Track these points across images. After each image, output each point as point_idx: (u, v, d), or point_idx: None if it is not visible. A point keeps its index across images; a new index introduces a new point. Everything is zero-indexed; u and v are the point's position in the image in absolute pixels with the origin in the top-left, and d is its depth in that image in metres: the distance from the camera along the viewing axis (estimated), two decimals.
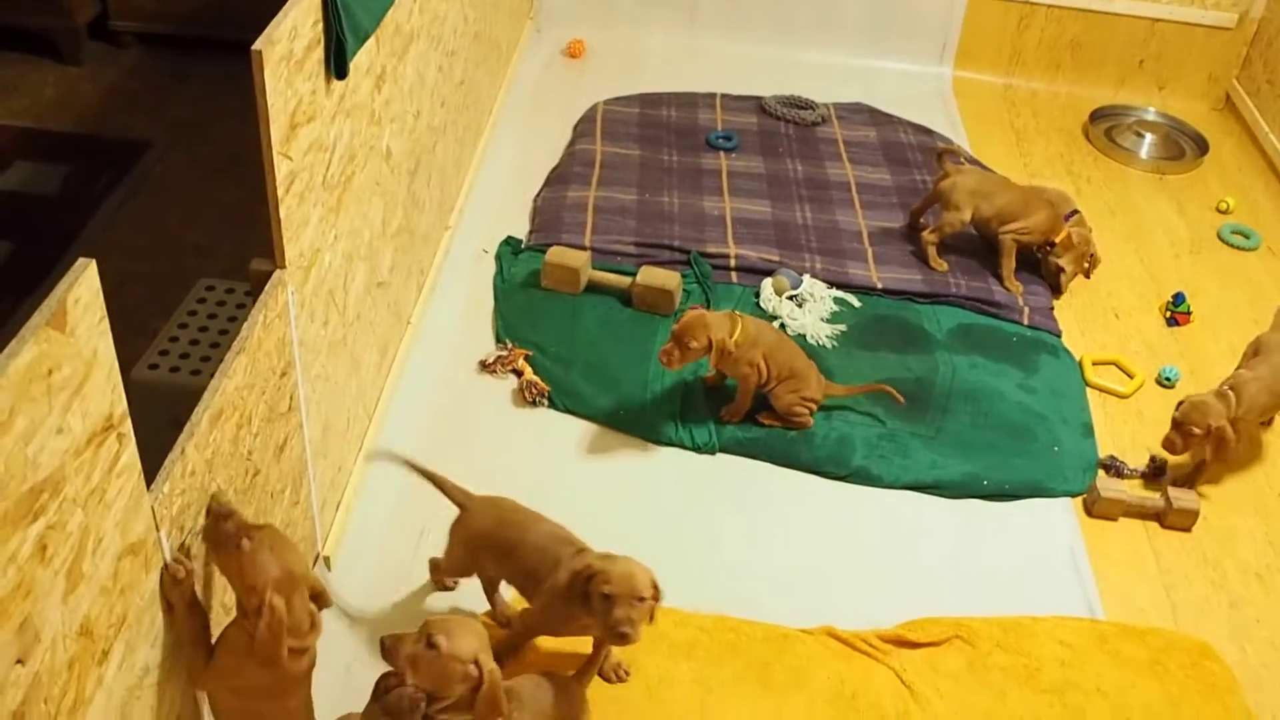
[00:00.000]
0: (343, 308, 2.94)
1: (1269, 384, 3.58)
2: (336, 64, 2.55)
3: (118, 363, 1.78)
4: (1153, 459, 3.64)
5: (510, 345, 3.83)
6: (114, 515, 1.82)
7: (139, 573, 1.94)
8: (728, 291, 4.24)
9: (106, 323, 1.70)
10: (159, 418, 2.33)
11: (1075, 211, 4.49)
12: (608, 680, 2.82)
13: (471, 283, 4.17)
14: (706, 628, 3.00)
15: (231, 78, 2.25)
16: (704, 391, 3.75)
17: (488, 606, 2.97)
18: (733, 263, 4.36)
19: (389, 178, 3.24)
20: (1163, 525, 3.47)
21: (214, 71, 5.17)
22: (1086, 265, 4.45)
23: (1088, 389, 3.97)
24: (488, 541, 2.79)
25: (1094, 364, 4.07)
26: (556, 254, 4.12)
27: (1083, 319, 4.32)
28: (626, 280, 4.11)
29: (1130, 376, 4.03)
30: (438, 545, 3.15)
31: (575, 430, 3.62)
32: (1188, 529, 3.47)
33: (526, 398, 3.67)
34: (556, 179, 4.77)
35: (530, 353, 3.81)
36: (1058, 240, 4.35)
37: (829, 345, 4.02)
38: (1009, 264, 4.36)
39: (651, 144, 5.07)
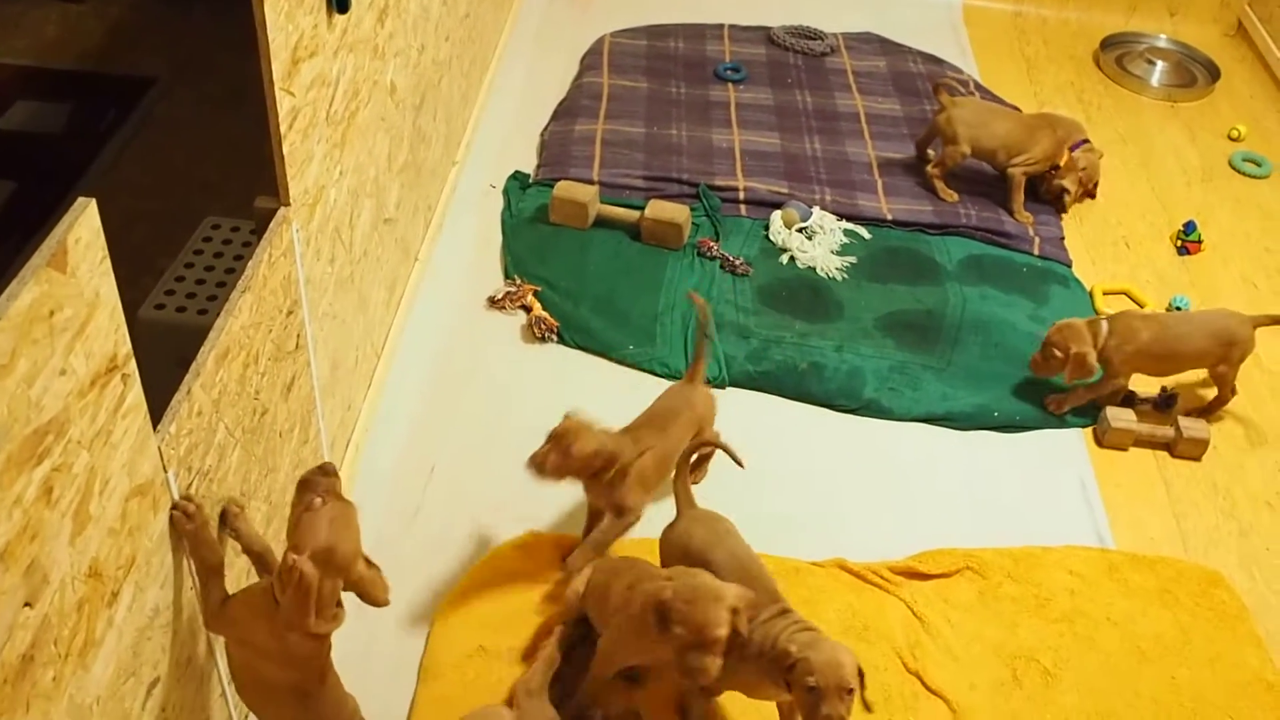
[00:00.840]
0: (349, 245, 2.92)
1: (1154, 329, 3.51)
2: None
3: (125, 302, 1.77)
4: (1163, 389, 3.62)
5: (519, 281, 3.81)
6: (120, 456, 1.82)
7: (147, 514, 1.94)
8: (737, 224, 4.21)
9: (108, 262, 1.69)
10: (166, 357, 2.32)
11: (1085, 141, 4.44)
12: None
13: (479, 218, 4.14)
14: None
15: (235, 10, 2.21)
16: (716, 325, 3.73)
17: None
18: (742, 195, 4.33)
19: (394, 113, 3.20)
20: (1173, 455, 3.47)
21: (217, 4, 5.10)
22: (1092, 187, 4.42)
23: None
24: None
25: (1105, 294, 4.04)
26: (565, 188, 4.08)
27: (1093, 249, 4.28)
28: (635, 214, 4.08)
29: (1141, 306, 4.00)
30: (448, 482, 3.16)
31: (585, 365, 3.61)
32: (1198, 458, 3.46)
33: (536, 333, 3.66)
34: (564, 113, 4.73)
35: (539, 288, 3.80)
36: (1061, 163, 4.31)
37: (839, 278, 4.00)
38: (1018, 197, 4.32)
39: (659, 76, 5.02)
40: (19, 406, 1.51)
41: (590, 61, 5.08)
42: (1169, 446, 3.47)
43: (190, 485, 2.10)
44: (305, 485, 2.12)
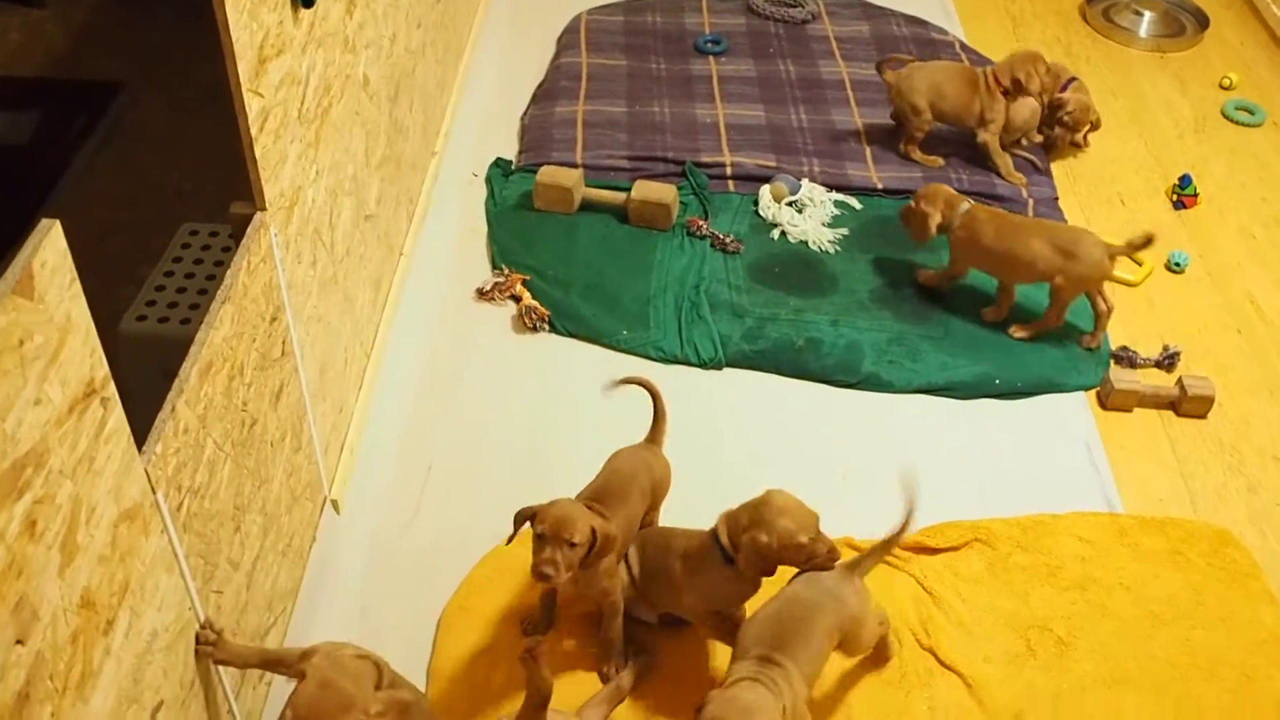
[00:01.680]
0: (331, 245, 2.87)
1: (999, 225, 3.58)
2: None
3: (105, 315, 1.72)
4: (1165, 347, 3.58)
5: (507, 271, 3.76)
6: (105, 482, 1.77)
7: (138, 538, 1.89)
8: (725, 201, 4.16)
9: (78, 285, 1.63)
10: (152, 370, 2.27)
11: (1073, 79, 4.37)
12: None
13: (463, 208, 4.08)
14: None
15: (198, 10, 2.15)
16: (709, 305, 3.68)
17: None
18: (729, 171, 4.27)
19: (368, 106, 3.14)
20: (1178, 413, 3.42)
21: (182, 4, 5.02)
22: (1087, 130, 4.36)
23: None
24: None
25: None
26: (548, 173, 4.03)
27: (1088, 207, 4.23)
28: (621, 196, 4.03)
29: (1139, 264, 3.96)
30: (445, 481, 3.12)
31: (578, 353, 3.56)
32: (1203, 416, 3.42)
33: (526, 323, 3.61)
34: (543, 95, 4.66)
35: (528, 277, 3.74)
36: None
37: (832, 250, 3.95)
38: (999, 162, 4.28)
39: (638, 53, 4.95)
40: None
41: (567, 41, 5.01)
42: (1174, 405, 3.43)
43: (181, 505, 2.05)
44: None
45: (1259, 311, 3.70)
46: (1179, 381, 3.43)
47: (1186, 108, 4.80)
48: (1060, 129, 4.35)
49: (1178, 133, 4.64)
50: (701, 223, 3.99)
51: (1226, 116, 4.73)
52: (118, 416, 1.79)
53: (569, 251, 3.88)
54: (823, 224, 4.04)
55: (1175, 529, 3.06)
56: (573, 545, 2.38)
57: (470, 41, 4.84)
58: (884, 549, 2.60)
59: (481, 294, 3.71)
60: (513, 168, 4.27)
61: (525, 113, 4.58)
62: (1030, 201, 4.18)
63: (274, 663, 2.25)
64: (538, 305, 3.62)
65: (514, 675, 2.67)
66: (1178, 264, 3.93)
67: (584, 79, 4.73)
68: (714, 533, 2.57)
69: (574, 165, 4.19)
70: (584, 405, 3.37)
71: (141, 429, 1.93)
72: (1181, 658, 2.77)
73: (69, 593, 1.68)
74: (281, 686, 2.49)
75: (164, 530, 1.99)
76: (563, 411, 3.34)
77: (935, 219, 3.60)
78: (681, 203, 4.09)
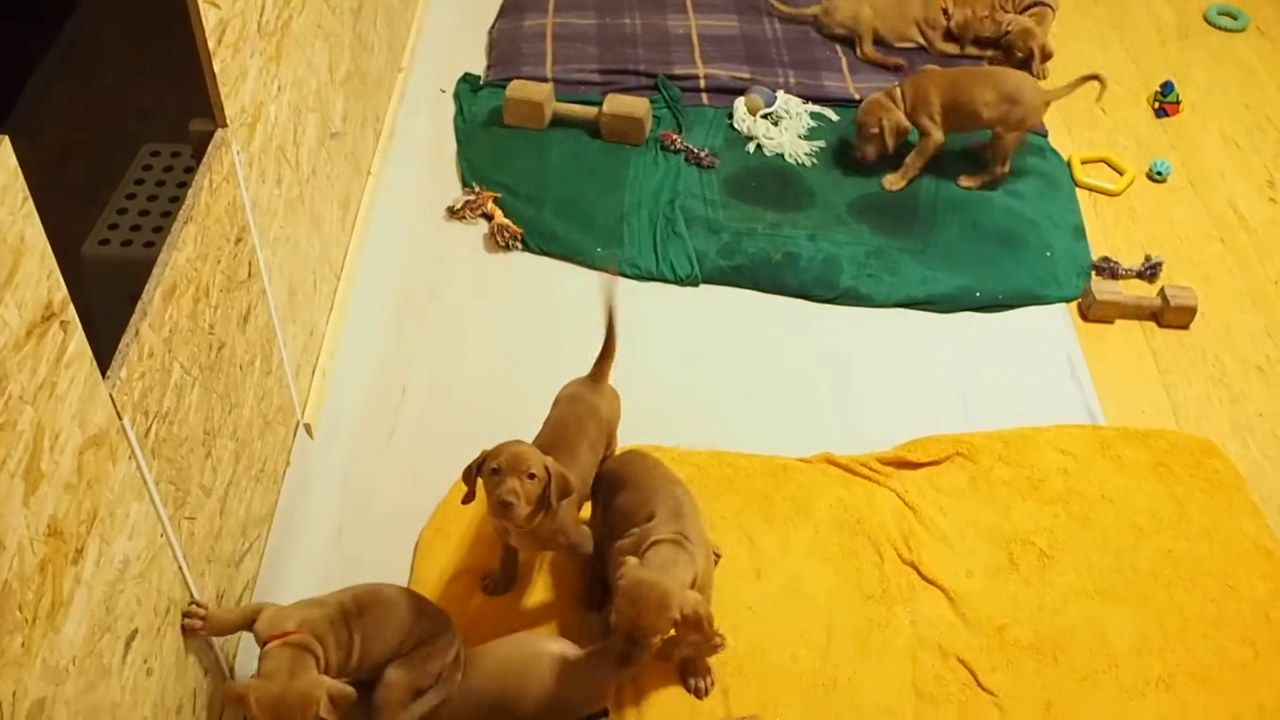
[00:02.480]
0: (295, 164, 2.78)
1: (945, 86, 3.69)
2: None
3: (67, 240, 1.65)
4: (1147, 258, 3.54)
5: (478, 188, 3.68)
6: (69, 408, 1.71)
7: (105, 465, 1.84)
8: (699, 114, 4.08)
9: (30, 204, 1.56)
10: (117, 295, 2.20)
11: (1037, 3, 4.30)
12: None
13: (431, 126, 3.99)
14: (702, 464, 2.93)
15: None
16: (685, 221, 3.62)
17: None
18: (702, 84, 4.18)
19: (330, 19, 3.04)
20: (1160, 324, 3.40)
21: None
22: (1038, 59, 4.26)
23: (1077, 189, 3.86)
24: None
25: (1083, 163, 3.95)
26: (518, 88, 3.93)
27: (1069, 116, 4.16)
28: (593, 110, 3.94)
29: (1120, 173, 3.91)
30: (419, 403, 3.07)
31: (552, 271, 3.50)
32: (1186, 326, 3.40)
33: (499, 242, 3.54)
34: (511, 8, 4.54)
35: (499, 195, 3.66)
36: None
37: (808, 164, 3.88)
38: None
39: None
40: None
41: None
42: (1156, 316, 3.40)
43: (149, 430, 2.00)
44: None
45: (1241, 220, 3.67)
46: (1161, 292, 3.40)
47: (1169, 13, 4.72)
48: (1003, 51, 4.30)
49: (1160, 39, 4.57)
50: (675, 137, 3.91)
51: (1209, 22, 4.66)
52: (79, 340, 1.73)
53: (541, 168, 3.80)
54: (799, 136, 3.97)
55: (1158, 441, 3.05)
56: (531, 477, 2.29)
57: None
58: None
59: (452, 213, 3.63)
60: (481, 83, 4.17)
61: (493, 26, 4.47)
62: None
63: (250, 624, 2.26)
64: (510, 223, 3.55)
65: (492, 598, 2.65)
66: (1160, 173, 3.89)
67: None
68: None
69: (544, 79, 4.10)
70: (559, 323, 3.32)
71: (107, 355, 1.87)
72: (1164, 569, 2.76)
73: (35, 521, 1.63)
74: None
75: (131, 456, 1.94)
76: (537, 330, 3.29)
77: (902, 117, 3.68)
78: (654, 116, 4.00)
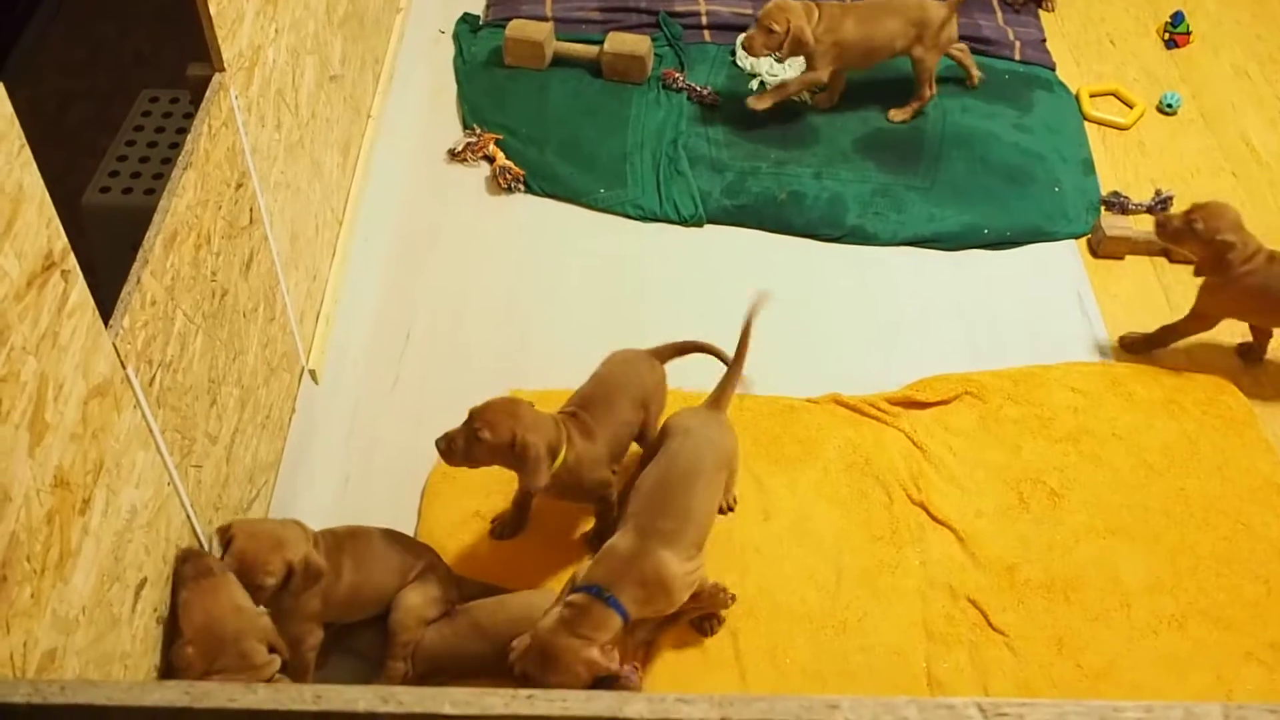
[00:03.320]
0: (295, 107, 2.74)
1: (857, 17, 3.59)
2: None
3: (67, 189, 1.63)
4: (1158, 192, 3.50)
5: (479, 130, 3.64)
6: (72, 358, 1.69)
7: (110, 414, 1.82)
8: (701, 52, 4.02)
9: (28, 152, 1.53)
10: (120, 244, 2.18)
11: None
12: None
13: (431, 67, 3.93)
14: None
15: None
16: (688, 160, 3.58)
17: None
18: (704, 20, 4.12)
19: None
20: (1170, 260, 3.36)
21: None
22: None
23: (1086, 123, 3.81)
24: None
25: (1091, 96, 3.89)
26: (517, 28, 3.87)
27: (1077, 49, 4.10)
28: (594, 49, 3.88)
29: (1130, 106, 3.86)
30: (424, 347, 3.05)
31: (556, 213, 3.47)
32: None
33: (501, 184, 3.50)
34: None
35: (500, 136, 3.62)
36: None
37: (812, 100, 3.83)
38: None
39: None
40: None
41: None
42: (1166, 251, 3.36)
43: (153, 379, 1.98)
44: (176, 577, 2.12)
45: (1253, 153, 3.62)
46: None
47: None
48: None
49: None
50: (677, 75, 3.86)
51: None
52: (80, 290, 1.71)
53: (542, 109, 3.75)
54: (803, 73, 3.91)
55: (1169, 377, 3.03)
56: (479, 438, 2.29)
57: None
58: (733, 379, 2.61)
59: (454, 155, 3.59)
60: (480, 23, 4.11)
61: None
62: (1017, 44, 4.06)
63: None
64: (512, 165, 3.51)
65: (500, 542, 2.64)
66: (1170, 105, 3.83)
67: None
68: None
69: (544, 19, 4.04)
70: (564, 265, 3.29)
71: (110, 304, 1.85)
72: (1176, 507, 2.75)
73: (41, 472, 1.62)
74: None
75: (136, 406, 1.92)
76: (541, 273, 3.26)
77: (808, 30, 3.48)
78: (656, 55, 3.95)
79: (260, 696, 1.23)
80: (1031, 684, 2.45)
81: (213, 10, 2.16)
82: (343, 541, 2.33)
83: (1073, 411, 2.94)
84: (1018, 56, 4.02)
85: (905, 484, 2.80)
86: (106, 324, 1.82)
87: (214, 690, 1.24)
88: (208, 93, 2.22)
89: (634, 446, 2.66)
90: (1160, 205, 3.46)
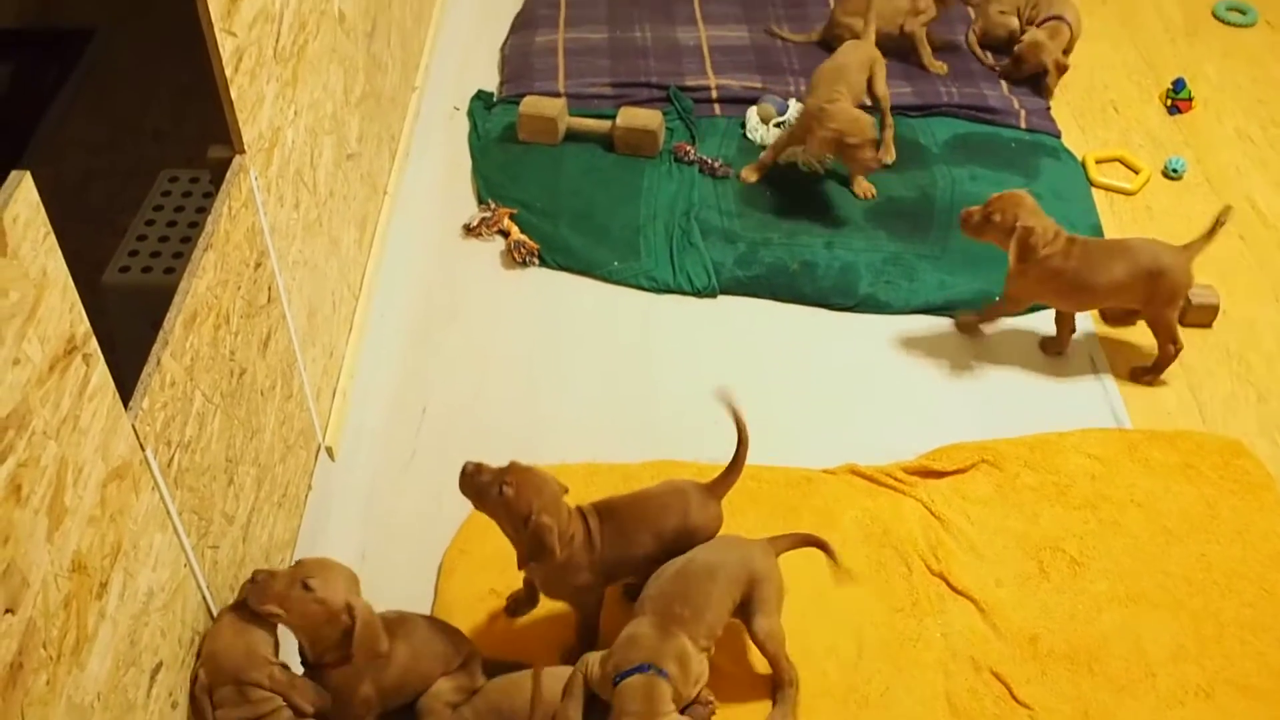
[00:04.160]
0: (313, 186, 2.78)
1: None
2: None
3: (87, 267, 1.65)
4: None
5: (493, 205, 3.67)
6: (92, 441, 1.70)
7: (128, 496, 1.83)
8: (712, 125, 4.07)
9: (53, 238, 1.55)
10: (138, 322, 2.20)
11: (1054, 18, 4.25)
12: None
13: (446, 144, 3.98)
14: None
15: None
16: (701, 232, 3.61)
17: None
18: (714, 94, 4.17)
19: (345, 42, 3.03)
20: (1182, 324, 3.35)
21: None
22: (1045, 74, 4.21)
23: (1093, 189, 3.83)
24: None
25: (1097, 162, 3.92)
26: (531, 104, 3.92)
27: (1081, 116, 4.14)
28: (606, 124, 3.93)
29: (1135, 171, 3.89)
30: (440, 422, 3.06)
31: (570, 286, 3.49)
32: (1209, 325, 3.37)
33: (516, 258, 3.53)
34: (522, 24, 4.54)
35: (515, 210, 3.66)
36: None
37: (823, 170, 3.86)
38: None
39: None
40: None
41: None
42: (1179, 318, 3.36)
43: (172, 460, 1.99)
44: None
45: (1260, 216, 3.63)
46: None
47: (1177, 10, 4.69)
48: (1013, 61, 4.27)
49: (1169, 36, 4.54)
50: (689, 148, 3.90)
51: (1218, 18, 4.63)
52: (101, 373, 1.72)
53: (556, 183, 3.79)
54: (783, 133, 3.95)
55: (1185, 442, 3.02)
56: (501, 492, 2.28)
57: None
58: (735, 471, 2.56)
59: (469, 230, 3.62)
60: (495, 100, 4.17)
61: (505, 43, 4.47)
62: (1022, 113, 4.09)
63: None
64: (526, 239, 3.54)
65: (516, 619, 2.63)
66: (1175, 170, 3.86)
67: (563, 6, 4.61)
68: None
69: (557, 94, 4.09)
70: (579, 338, 3.31)
71: (129, 385, 1.86)
72: (1198, 573, 2.73)
73: (59, 557, 1.62)
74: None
75: (155, 487, 1.93)
76: (556, 346, 3.28)
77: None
78: (667, 128, 3.99)
79: None
80: None
81: (234, 93, 2.20)
82: (393, 626, 2.30)
83: (1090, 478, 2.93)
84: (1023, 125, 4.05)
85: (924, 554, 2.78)
86: (126, 405, 1.83)
87: None
88: (228, 174, 2.25)
89: None
90: None
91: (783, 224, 3.66)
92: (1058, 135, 4.04)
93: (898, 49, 4.28)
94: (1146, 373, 3.23)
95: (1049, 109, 4.15)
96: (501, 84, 4.24)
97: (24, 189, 1.48)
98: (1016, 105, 4.13)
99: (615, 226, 3.64)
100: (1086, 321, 3.37)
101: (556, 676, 2.34)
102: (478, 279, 3.49)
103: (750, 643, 2.46)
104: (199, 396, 2.11)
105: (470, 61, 4.36)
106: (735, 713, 2.45)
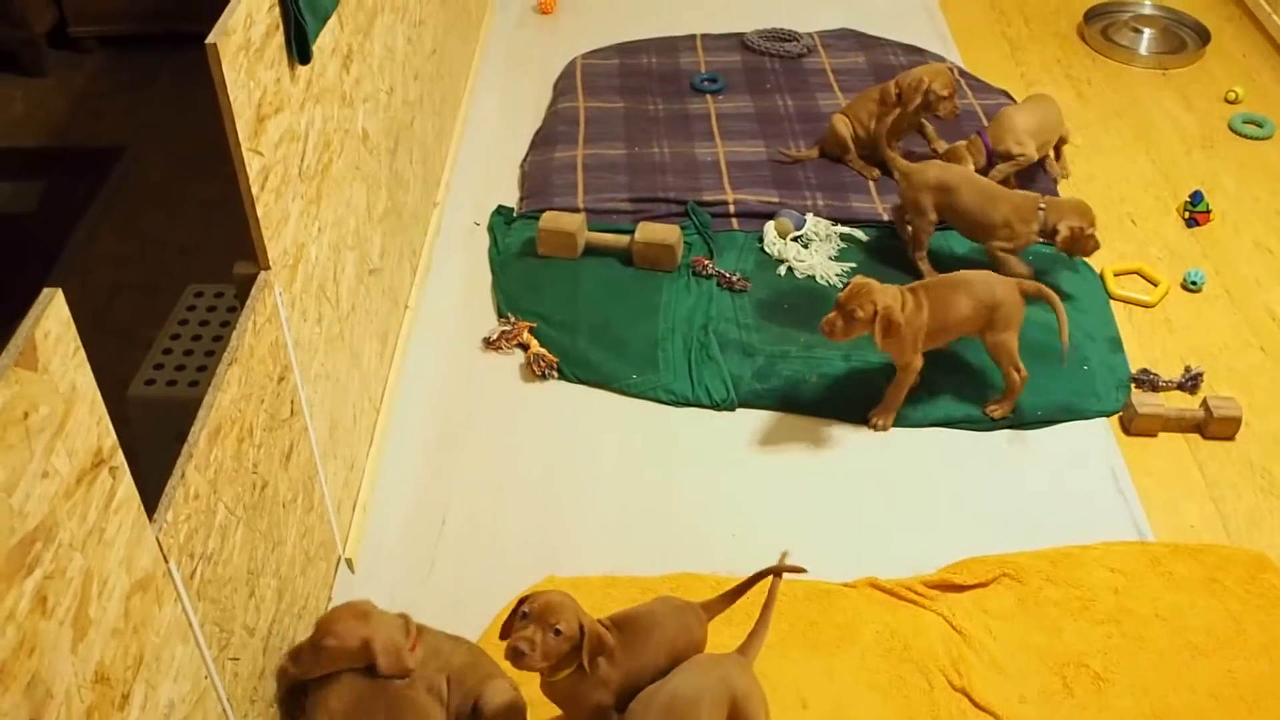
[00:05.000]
0: (335, 301, 2.82)
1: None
2: (299, 48, 2.42)
3: (113, 379, 1.68)
4: (1187, 368, 3.52)
5: (513, 318, 3.71)
6: (116, 553, 1.72)
7: (151, 608, 1.84)
8: (730, 239, 4.12)
9: (82, 353, 1.59)
10: (163, 435, 2.23)
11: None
12: None
13: (466, 258, 4.04)
14: None
15: (197, 72, 2.13)
16: (719, 345, 3.64)
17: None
18: (732, 209, 4.23)
19: (368, 160, 3.11)
20: (1204, 436, 3.36)
21: (181, 66, 5.02)
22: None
23: (1111, 301, 3.85)
24: None
25: (1115, 275, 3.94)
26: (550, 219, 3.99)
27: (1099, 229, 4.13)
28: (625, 239, 3.99)
29: (1154, 284, 3.91)
30: (460, 534, 3.06)
31: (589, 399, 3.51)
32: (1231, 437, 3.36)
33: (535, 371, 3.56)
34: (542, 141, 4.63)
35: (534, 324, 3.70)
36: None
37: (840, 284, 3.90)
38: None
39: (635, 94, 4.92)
40: (1, 517, 1.41)
41: (563, 86, 4.98)
42: (1199, 428, 3.36)
43: (194, 572, 2.00)
44: None
45: (1277, 321, 3.64)
46: (1203, 403, 3.37)
47: (1193, 124, 4.76)
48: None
49: (1185, 149, 4.60)
50: (707, 262, 3.95)
51: (1235, 130, 4.69)
52: (127, 485, 1.75)
53: (574, 297, 3.84)
54: (829, 258, 4.00)
55: (1209, 555, 3.00)
56: (557, 633, 2.24)
57: (467, 90, 4.82)
58: (732, 602, 2.64)
59: (489, 343, 3.66)
60: (515, 215, 4.23)
61: (525, 159, 4.55)
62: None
63: None
64: (545, 352, 3.58)
65: None
66: (1194, 282, 3.88)
67: (582, 123, 4.70)
68: None
69: (576, 210, 4.16)
70: (597, 451, 3.32)
71: (152, 496, 1.88)
72: (1225, 689, 2.69)
73: (82, 668, 1.63)
74: None
75: (177, 599, 1.94)
76: (575, 458, 3.29)
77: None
78: (685, 243, 4.05)
79: None
80: None
81: (260, 211, 2.25)
82: None
83: (1113, 592, 2.91)
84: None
85: (945, 669, 2.75)
86: (151, 518, 1.84)
87: None
88: (253, 290, 2.29)
89: None
90: (1191, 382, 3.48)
91: (800, 337, 3.69)
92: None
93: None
94: (997, 404, 3.42)
95: None
96: (521, 199, 4.32)
97: (55, 306, 1.52)
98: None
99: (634, 340, 3.67)
100: (1108, 435, 3.37)
101: None
102: (497, 392, 3.51)
103: None
104: (222, 509, 2.12)
105: (490, 177, 4.44)
106: None
